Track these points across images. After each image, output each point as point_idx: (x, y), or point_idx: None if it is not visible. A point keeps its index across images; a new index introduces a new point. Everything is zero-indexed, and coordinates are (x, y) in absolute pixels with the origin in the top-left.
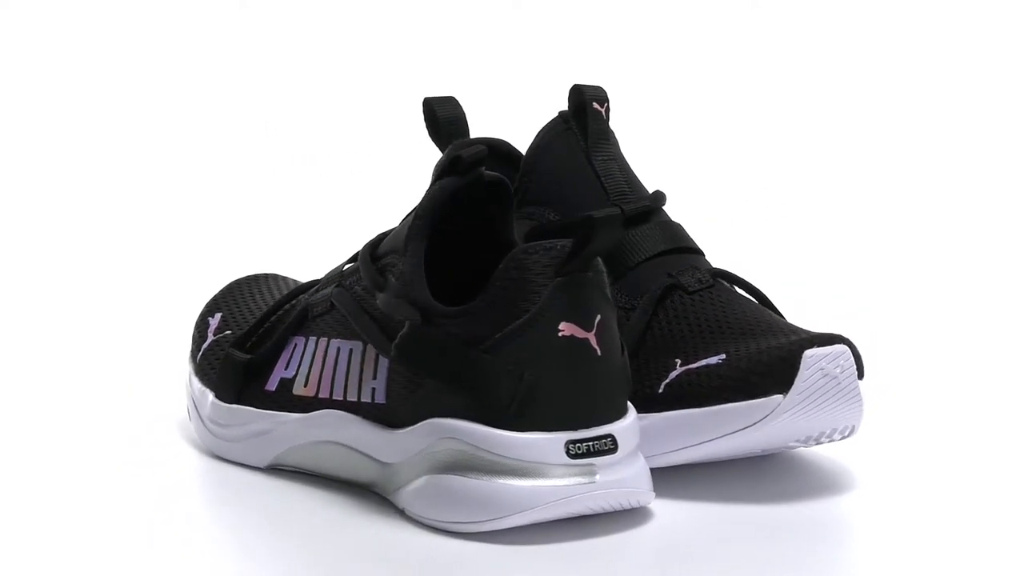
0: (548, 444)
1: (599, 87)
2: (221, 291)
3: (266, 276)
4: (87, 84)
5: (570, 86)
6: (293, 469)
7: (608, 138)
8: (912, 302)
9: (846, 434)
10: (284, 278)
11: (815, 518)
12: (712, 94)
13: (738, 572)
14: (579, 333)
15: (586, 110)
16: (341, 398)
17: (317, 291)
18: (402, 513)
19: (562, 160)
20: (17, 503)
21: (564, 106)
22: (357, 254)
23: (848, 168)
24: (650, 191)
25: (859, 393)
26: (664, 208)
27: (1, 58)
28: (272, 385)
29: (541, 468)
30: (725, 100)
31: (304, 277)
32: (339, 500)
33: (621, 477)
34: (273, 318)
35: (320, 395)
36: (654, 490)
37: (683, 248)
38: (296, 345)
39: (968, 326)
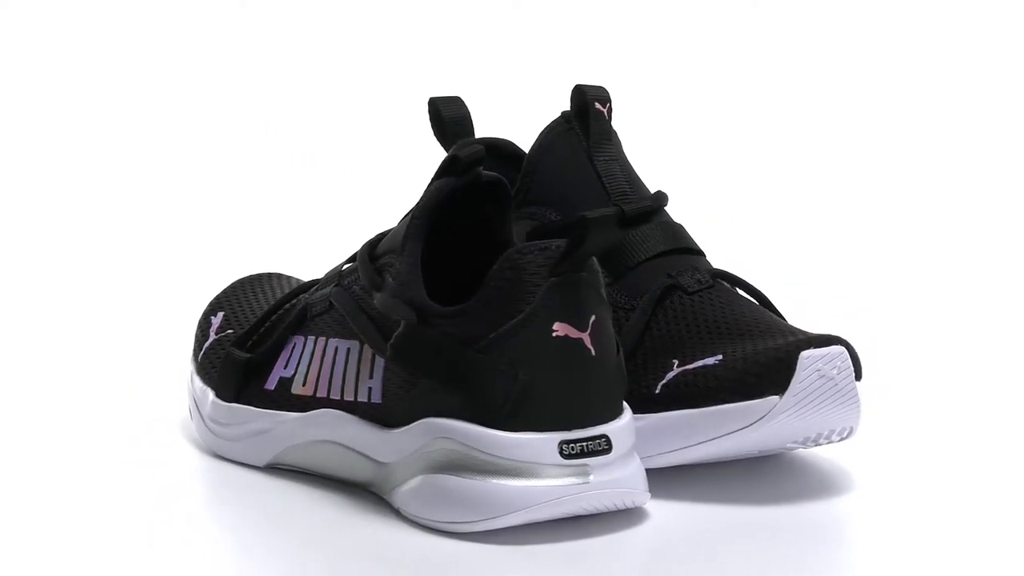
0: (541, 444)
1: (601, 87)
2: (224, 290)
3: (269, 275)
4: (88, 85)
5: (573, 86)
6: (292, 468)
7: (610, 138)
8: (912, 302)
9: (844, 435)
10: (287, 277)
11: (812, 519)
12: (713, 95)
13: (734, 573)
14: (573, 333)
15: (588, 110)
16: (338, 397)
17: (317, 290)
18: (398, 513)
19: (564, 160)
20: (18, 502)
21: (567, 106)
22: (356, 254)
23: (848, 169)
24: (652, 191)
25: (856, 394)
26: (665, 208)
27: (1, 58)
28: (271, 384)
29: (534, 468)
30: (726, 101)
31: (305, 277)
32: (337, 500)
33: (615, 477)
34: (273, 317)
35: (318, 394)
36: (650, 491)
37: (684, 249)
38: (295, 344)
39: (968, 327)
